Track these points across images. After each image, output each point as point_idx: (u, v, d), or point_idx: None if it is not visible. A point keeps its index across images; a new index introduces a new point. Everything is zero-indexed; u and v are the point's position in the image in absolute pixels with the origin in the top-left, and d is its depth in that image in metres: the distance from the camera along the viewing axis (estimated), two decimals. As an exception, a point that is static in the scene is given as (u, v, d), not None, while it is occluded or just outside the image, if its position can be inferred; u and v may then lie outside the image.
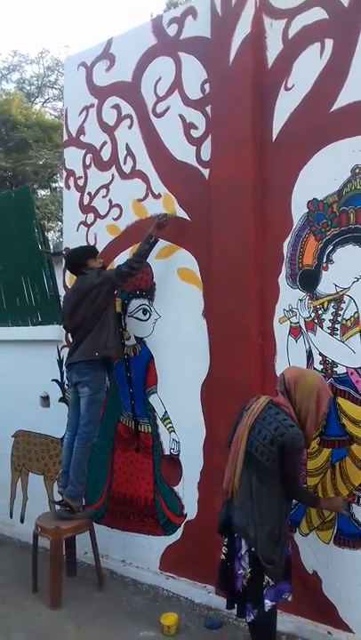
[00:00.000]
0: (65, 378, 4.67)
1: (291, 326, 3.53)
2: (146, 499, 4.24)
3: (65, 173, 4.91)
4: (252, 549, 2.86)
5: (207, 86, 3.96)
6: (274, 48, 3.65)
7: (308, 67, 3.48)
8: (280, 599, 2.95)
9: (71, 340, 4.35)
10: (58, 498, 4.78)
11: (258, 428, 2.95)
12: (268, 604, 2.84)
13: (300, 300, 3.48)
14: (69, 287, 4.56)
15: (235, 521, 2.95)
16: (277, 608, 3.00)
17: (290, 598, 2.98)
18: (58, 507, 4.15)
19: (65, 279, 4.77)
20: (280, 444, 2.84)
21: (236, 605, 2.97)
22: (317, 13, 3.45)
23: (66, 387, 4.78)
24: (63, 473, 4.16)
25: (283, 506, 2.97)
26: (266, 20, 3.68)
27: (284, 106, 3.59)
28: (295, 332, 3.51)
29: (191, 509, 3.98)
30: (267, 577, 2.86)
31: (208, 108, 3.95)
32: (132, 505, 4.33)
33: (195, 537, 3.94)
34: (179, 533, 4.05)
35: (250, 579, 2.87)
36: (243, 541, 2.92)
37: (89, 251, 4.35)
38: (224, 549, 3.04)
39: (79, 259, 4.27)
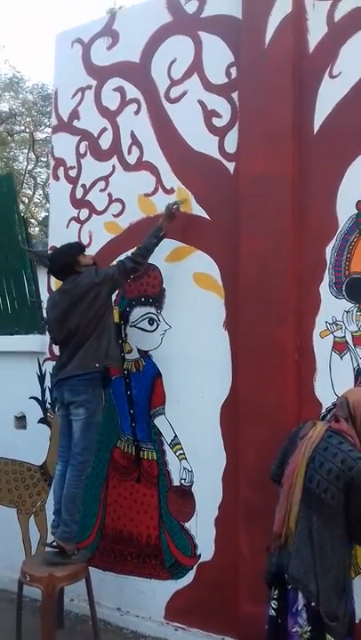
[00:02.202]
0: (53, 397, 4.02)
1: (335, 341, 3.12)
2: (148, 536, 3.69)
3: (53, 162, 4.32)
4: (313, 604, 2.42)
5: (234, 70, 3.54)
6: (316, 31, 3.27)
7: (359, 53, 3.14)
8: (343, 659, 2.51)
9: (59, 352, 3.73)
10: (36, 537, 4.17)
11: (318, 460, 2.53)
12: (331, 666, 2.40)
13: (347, 312, 3.09)
14: (55, 290, 3.96)
15: (290, 570, 2.50)
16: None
17: (353, 657, 2.55)
18: (49, 549, 3.52)
19: (50, 282, 4.18)
20: (348, 480, 2.45)
21: (289, 668, 2.52)
22: (369, -5, 3.13)
23: (48, 406, 4.16)
24: (56, 511, 3.54)
25: (346, 551, 2.56)
26: (307, 1, 3.31)
27: (329, 95, 3.22)
28: (340, 347, 3.11)
29: (206, 549, 3.47)
30: (329, 636, 2.43)
31: (235, 95, 3.52)
32: (130, 544, 3.75)
33: (210, 581, 3.43)
34: (190, 577, 3.52)
35: (309, 638, 2.44)
36: (299, 594, 2.47)
37: (76, 247, 3.75)
38: (274, 604, 2.59)
39: (70, 257, 3.64)
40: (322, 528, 2.48)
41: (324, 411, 3.12)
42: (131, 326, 3.84)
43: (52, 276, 4.09)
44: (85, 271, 3.60)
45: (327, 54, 3.24)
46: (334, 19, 3.23)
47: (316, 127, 3.25)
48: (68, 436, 3.57)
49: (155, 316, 3.75)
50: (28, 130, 19.03)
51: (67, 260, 3.66)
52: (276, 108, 3.29)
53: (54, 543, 3.45)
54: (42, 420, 4.22)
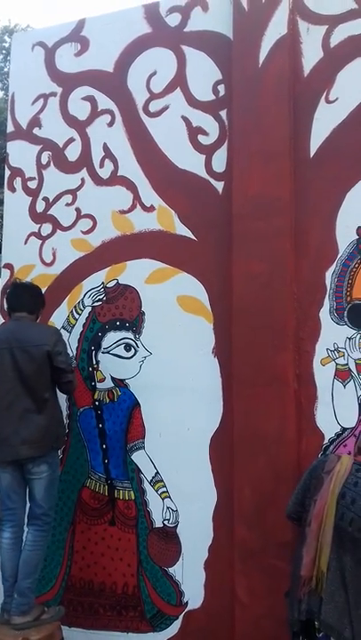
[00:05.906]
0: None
1: (337, 369, 3.04)
2: (125, 585, 3.33)
3: (8, 172, 3.92)
4: (348, 652, 2.26)
5: (222, 88, 3.42)
6: (311, 55, 3.24)
7: (357, 80, 3.14)
8: None
9: None
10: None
11: (350, 496, 2.41)
12: None
13: (350, 339, 3.02)
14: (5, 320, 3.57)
15: (323, 617, 2.34)
16: None
17: None
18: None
19: (4, 302, 3.73)
20: (384, 517, 2.33)
21: None
22: (367, 24, 3.16)
23: None
24: (7, 589, 3.09)
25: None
26: (301, 24, 3.28)
27: (325, 119, 3.18)
28: (343, 375, 3.03)
29: (195, 596, 3.19)
30: None
31: (223, 113, 3.40)
32: (102, 595, 3.37)
33: (199, 630, 3.15)
34: (175, 627, 3.21)
35: None
36: (333, 642, 2.30)
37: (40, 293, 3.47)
38: (303, 655, 2.39)
39: (42, 296, 3.45)
40: (356, 569, 2.34)
41: (326, 442, 3.01)
42: (103, 353, 3.52)
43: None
44: (41, 325, 3.42)
45: (323, 79, 3.21)
46: (330, 45, 3.22)
47: (313, 150, 3.19)
48: (18, 495, 3.18)
49: (132, 342, 3.46)
50: None
51: (40, 294, 3.42)
52: (272, 127, 3.19)
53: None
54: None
